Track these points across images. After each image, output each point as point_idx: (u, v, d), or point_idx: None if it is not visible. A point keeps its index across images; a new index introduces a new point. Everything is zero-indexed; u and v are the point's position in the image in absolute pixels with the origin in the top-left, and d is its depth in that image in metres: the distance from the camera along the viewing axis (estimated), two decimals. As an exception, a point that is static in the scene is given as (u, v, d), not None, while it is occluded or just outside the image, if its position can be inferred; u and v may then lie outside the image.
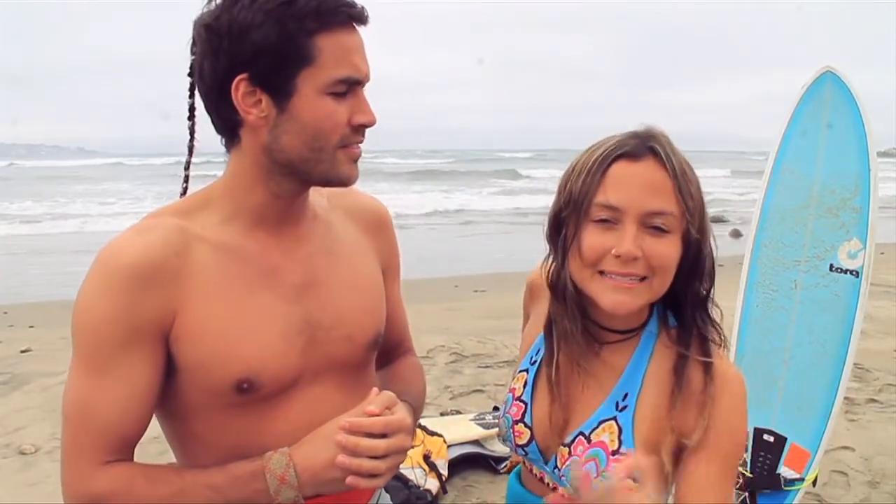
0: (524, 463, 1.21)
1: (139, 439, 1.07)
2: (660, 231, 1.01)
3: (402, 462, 1.08)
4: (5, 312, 6.81)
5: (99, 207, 18.02)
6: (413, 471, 2.91)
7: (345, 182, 1.08)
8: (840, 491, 3.13)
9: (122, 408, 1.02)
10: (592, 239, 1.03)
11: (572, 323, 1.11)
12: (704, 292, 1.09)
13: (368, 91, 1.06)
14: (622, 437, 1.06)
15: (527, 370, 1.19)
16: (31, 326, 6.22)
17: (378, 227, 1.26)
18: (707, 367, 1.05)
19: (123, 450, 1.05)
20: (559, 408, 1.13)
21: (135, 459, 1.07)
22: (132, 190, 23.63)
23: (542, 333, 1.18)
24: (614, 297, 1.03)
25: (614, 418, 1.08)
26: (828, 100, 2.46)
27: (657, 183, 1.01)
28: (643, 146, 1.02)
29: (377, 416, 1.03)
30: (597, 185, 1.02)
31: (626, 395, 1.08)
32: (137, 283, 1.00)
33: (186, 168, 1.17)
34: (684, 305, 1.09)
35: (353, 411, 1.05)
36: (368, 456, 1.01)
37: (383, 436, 1.02)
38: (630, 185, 1.01)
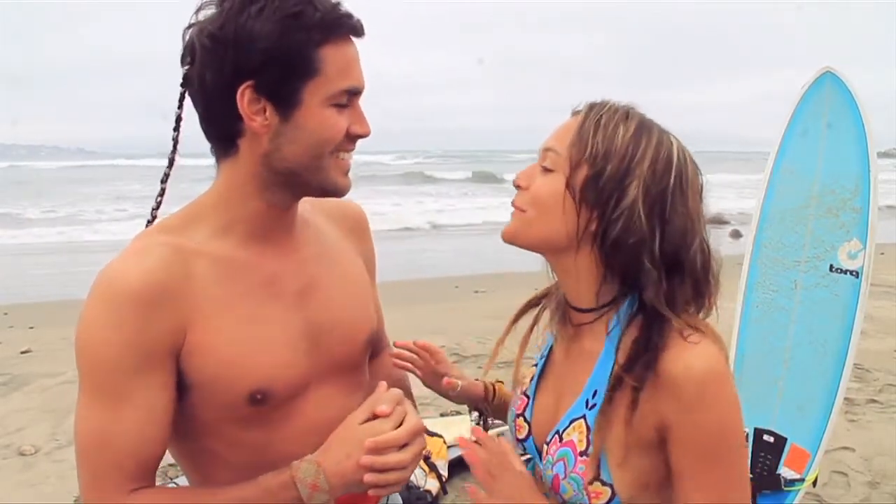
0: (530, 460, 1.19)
1: (159, 463, 1.06)
2: (547, 170, 1.05)
3: (419, 463, 1.10)
4: (5, 313, 6.81)
5: (106, 209, 18.02)
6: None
7: (339, 192, 1.09)
8: (840, 491, 3.13)
9: (142, 434, 1.02)
10: None
11: (554, 298, 1.15)
12: (651, 271, 1.00)
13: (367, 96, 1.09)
14: (590, 437, 1.02)
15: (537, 364, 1.19)
16: (32, 327, 6.22)
17: (359, 230, 1.30)
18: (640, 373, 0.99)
19: (146, 476, 1.04)
20: (553, 401, 1.12)
21: None
22: (141, 190, 23.57)
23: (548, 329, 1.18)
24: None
25: (583, 417, 1.05)
26: (828, 100, 2.46)
27: (566, 126, 1.06)
28: (583, 105, 1.08)
29: (388, 415, 1.05)
30: None
31: (595, 393, 1.05)
32: (144, 308, 0.99)
33: (164, 181, 1.15)
34: (638, 284, 1.02)
35: (362, 407, 1.07)
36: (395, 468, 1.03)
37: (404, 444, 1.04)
38: (554, 129, 1.08)
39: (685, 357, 0.98)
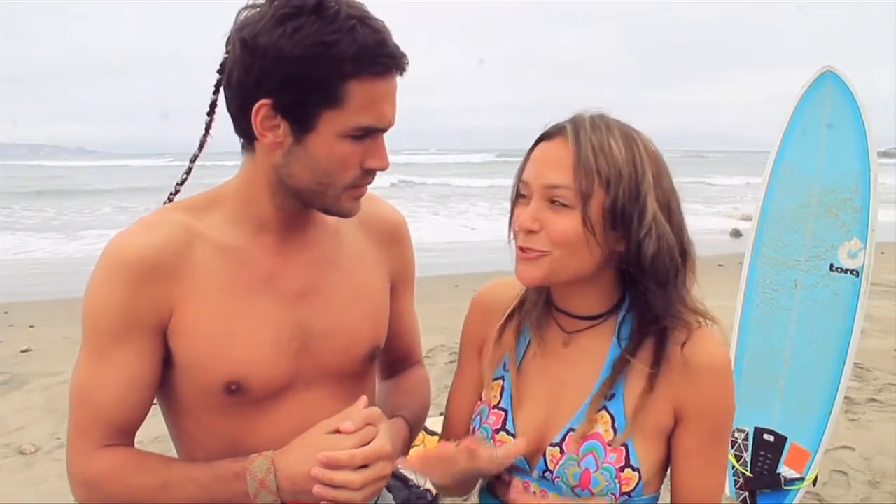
0: (500, 477, 1.16)
1: (136, 427, 1.10)
2: (560, 205, 1.02)
3: (382, 488, 1.09)
4: (5, 312, 6.80)
5: (107, 208, 18.02)
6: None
7: (345, 215, 1.09)
8: (840, 490, 3.13)
9: (118, 394, 1.06)
10: (515, 213, 1.07)
11: (535, 308, 1.14)
12: (666, 277, 1.04)
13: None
14: (616, 426, 1.05)
15: (502, 377, 1.16)
16: (32, 326, 6.21)
17: (391, 239, 1.25)
18: (656, 361, 1.06)
19: (120, 435, 1.08)
20: (544, 407, 1.11)
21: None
22: (142, 190, 23.53)
23: (511, 340, 1.16)
24: (520, 268, 1.06)
25: (604, 407, 1.06)
26: (828, 100, 2.46)
27: (558, 157, 1.02)
28: (559, 126, 1.05)
29: (351, 433, 1.03)
30: (522, 166, 1.07)
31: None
32: (137, 278, 1.03)
33: (192, 161, 1.15)
34: (646, 290, 1.05)
35: (334, 418, 1.06)
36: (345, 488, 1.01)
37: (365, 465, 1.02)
38: (538, 162, 1.04)
39: (706, 347, 1.07)
